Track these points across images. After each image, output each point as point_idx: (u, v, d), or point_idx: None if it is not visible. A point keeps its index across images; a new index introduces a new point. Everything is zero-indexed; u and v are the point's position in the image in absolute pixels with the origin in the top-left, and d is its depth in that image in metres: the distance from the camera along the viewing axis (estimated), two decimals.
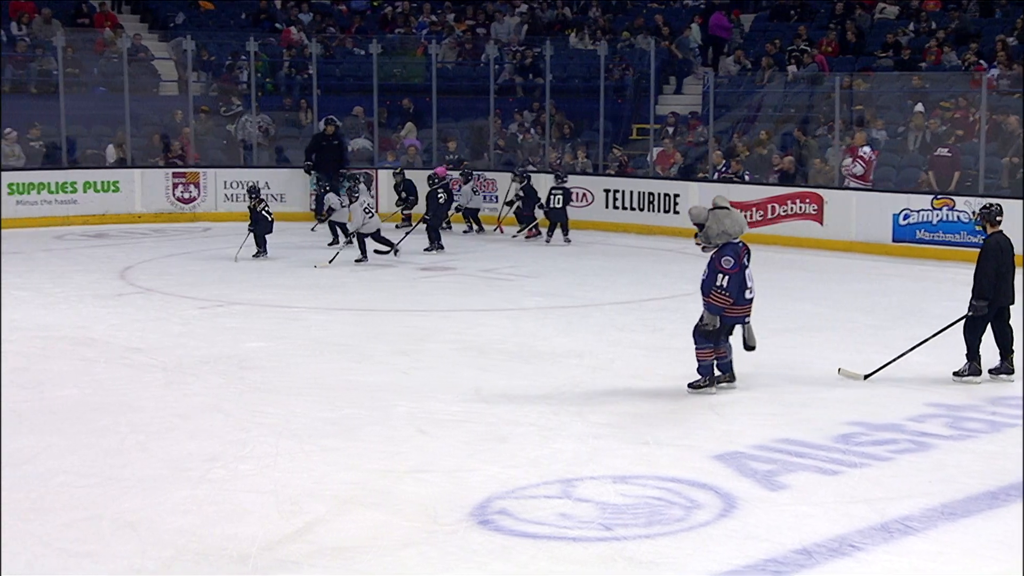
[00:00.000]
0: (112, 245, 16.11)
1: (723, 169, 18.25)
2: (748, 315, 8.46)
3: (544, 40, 21.30)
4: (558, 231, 17.12)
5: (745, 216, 17.16)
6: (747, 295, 8.38)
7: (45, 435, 7.29)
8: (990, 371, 8.84)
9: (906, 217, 15.75)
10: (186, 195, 19.39)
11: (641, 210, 18.57)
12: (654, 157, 19.33)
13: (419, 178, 18.24)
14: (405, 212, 18.18)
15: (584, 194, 18.94)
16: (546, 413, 7.97)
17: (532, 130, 20.93)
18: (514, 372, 9.18)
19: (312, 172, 19.14)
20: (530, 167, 19.17)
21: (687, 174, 18.90)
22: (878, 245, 15.95)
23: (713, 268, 8.31)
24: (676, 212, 18.18)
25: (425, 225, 16.12)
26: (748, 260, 8.42)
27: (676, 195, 18.25)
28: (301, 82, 21.96)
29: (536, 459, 6.95)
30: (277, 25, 23.68)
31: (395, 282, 13.73)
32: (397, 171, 18.59)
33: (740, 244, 8.37)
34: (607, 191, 18.89)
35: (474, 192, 18.24)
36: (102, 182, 18.94)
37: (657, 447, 7.22)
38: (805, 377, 8.99)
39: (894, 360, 8.87)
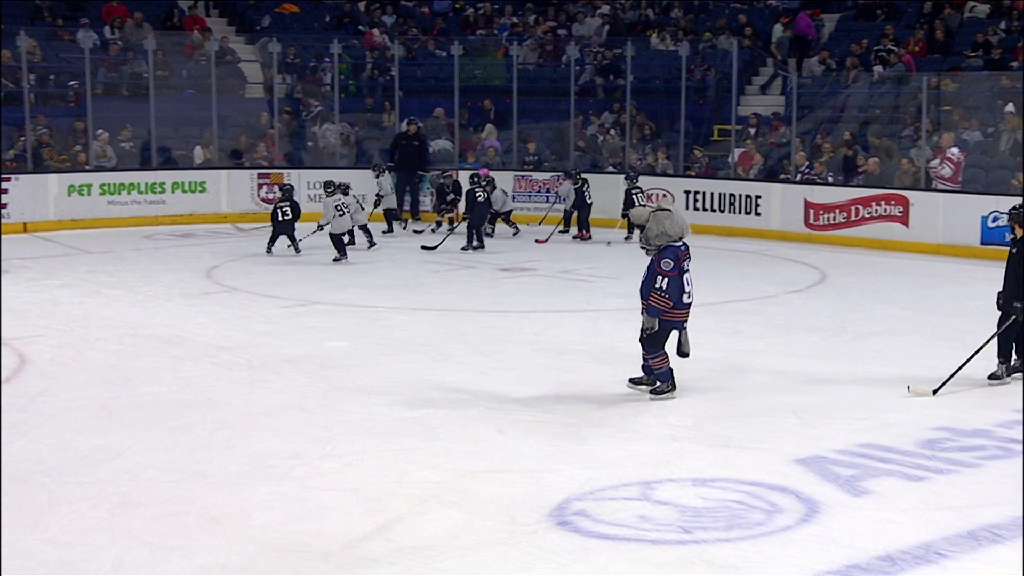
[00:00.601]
0: (199, 244, 16.41)
1: (806, 170, 18.04)
2: (686, 320, 8.33)
3: (625, 41, 21.25)
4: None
5: (828, 218, 17.18)
6: (685, 299, 8.24)
7: (134, 431, 7.45)
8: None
9: (995, 219, 15.40)
10: (270, 195, 19.64)
11: (722, 212, 18.44)
12: (735, 158, 19.18)
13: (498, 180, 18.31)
14: (448, 214, 18.16)
15: (664, 195, 18.85)
16: (626, 415, 7.96)
17: (612, 131, 20.88)
18: (594, 373, 9.17)
19: (391, 172, 19.31)
20: (576, 169, 18.98)
21: (769, 175, 18.72)
22: (965, 248, 15.64)
23: (653, 270, 8.21)
24: (758, 214, 18.04)
25: (466, 224, 16.33)
26: (688, 264, 8.30)
27: (758, 197, 18.10)
28: (383, 84, 22.16)
29: (615, 461, 6.94)
30: (360, 27, 23.92)
31: (475, 282, 13.79)
32: (445, 173, 18.62)
33: (681, 247, 8.26)
34: (687, 192, 18.78)
35: (505, 195, 18.17)
36: (189, 183, 19.31)
37: (737, 450, 7.17)
38: (890, 381, 8.84)
39: (958, 370, 8.65)
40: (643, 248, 8.37)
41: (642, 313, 8.28)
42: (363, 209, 16.57)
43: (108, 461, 6.84)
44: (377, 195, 18.28)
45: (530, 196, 19.44)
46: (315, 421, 7.74)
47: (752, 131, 19.70)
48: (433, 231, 17.66)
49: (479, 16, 24.67)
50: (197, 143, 20.06)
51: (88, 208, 18.32)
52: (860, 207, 16.88)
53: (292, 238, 15.71)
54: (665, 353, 8.30)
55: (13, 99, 19.19)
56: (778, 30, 22.30)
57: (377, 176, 18.27)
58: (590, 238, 17.62)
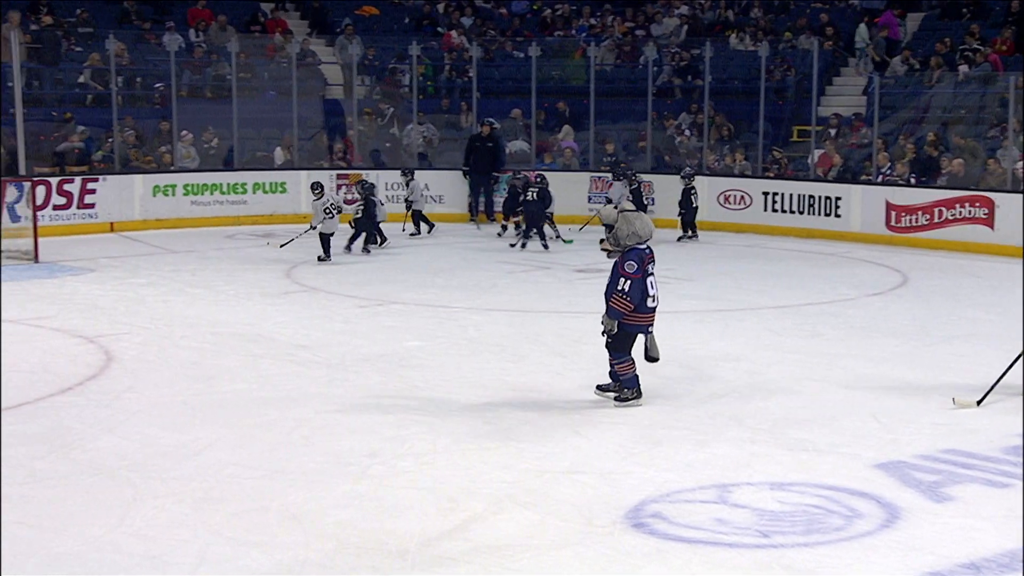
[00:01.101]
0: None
1: (887, 171, 17.78)
2: (651, 324, 8.18)
3: (704, 41, 21.12)
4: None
5: (910, 220, 16.91)
6: (650, 303, 8.08)
7: (216, 428, 7.59)
8: None
9: None
10: (349, 196, 19.86)
11: (801, 213, 18.24)
12: (815, 159, 18.95)
13: (569, 180, 18.31)
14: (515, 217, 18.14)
15: (742, 196, 18.73)
16: (701, 417, 7.91)
17: (690, 132, 20.76)
18: (668, 374, 9.12)
19: (466, 175, 19.41)
20: (631, 170, 18.84)
21: (849, 177, 18.47)
22: None
23: (616, 272, 8.06)
24: (838, 216, 17.81)
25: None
26: (653, 267, 8.16)
27: (838, 198, 17.88)
28: (461, 85, 22.26)
29: (691, 463, 6.91)
30: (439, 29, 24.06)
31: (550, 283, 13.80)
32: (518, 175, 18.57)
33: (646, 250, 8.13)
34: (766, 194, 18.62)
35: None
36: (270, 183, 19.59)
37: (816, 454, 7.09)
38: (973, 386, 8.67)
39: (999, 380, 8.42)
40: (605, 249, 8.23)
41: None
42: (382, 205, 16.85)
43: (191, 457, 6.97)
44: (406, 199, 18.28)
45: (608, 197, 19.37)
46: (391, 420, 7.81)
47: (832, 132, 19.45)
48: (499, 235, 17.68)
49: (557, 17, 24.67)
50: (277, 144, 20.33)
51: (172, 208, 18.68)
52: (943, 209, 16.59)
53: (376, 236, 15.92)
54: (631, 359, 8.14)
55: (102, 101, 19.64)
56: (862, 30, 21.97)
57: (407, 181, 18.28)
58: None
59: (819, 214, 18.04)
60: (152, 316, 11.49)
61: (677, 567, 5.42)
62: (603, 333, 8.11)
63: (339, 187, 19.83)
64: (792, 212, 18.33)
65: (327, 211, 15.27)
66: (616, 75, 22.64)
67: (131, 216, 18.36)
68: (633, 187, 17.69)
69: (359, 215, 16.02)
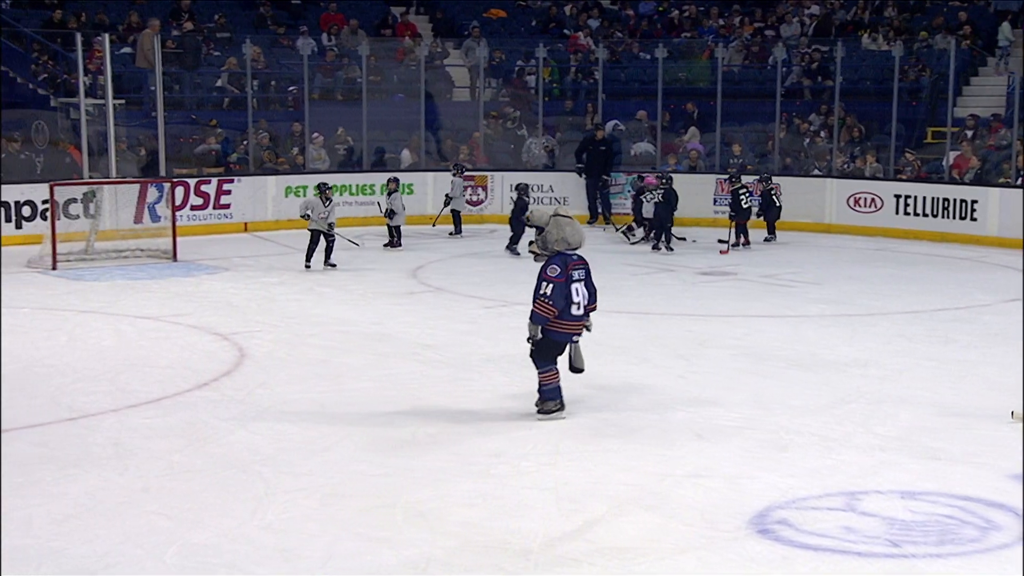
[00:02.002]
0: (405, 245, 16.84)
1: None
2: (578, 333, 7.88)
3: (834, 41, 20.72)
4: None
5: None
6: (574, 310, 7.78)
7: (344, 425, 7.74)
8: None
9: None
10: (474, 198, 20.04)
11: (935, 217, 17.77)
12: (950, 161, 18.45)
13: (694, 182, 18.17)
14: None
15: (872, 199, 18.35)
16: (828, 423, 7.79)
17: (820, 134, 20.39)
18: (795, 380, 9.00)
19: (581, 175, 19.37)
20: (767, 173, 18.47)
21: (986, 179, 17.93)
22: None
23: (540, 276, 7.82)
24: (973, 219, 17.32)
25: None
26: (583, 274, 7.88)
27: (974, 201, 17.39)
28: (587, 87, 22.26)
29: (818, 470, 6.81)
30: (565, 31, 24.09)
31: (674, 286, 13.72)
32: (640, 178, 18.41)
33: (573, 256, 7.86)
34: (897, 196, 18.19)
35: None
36: (402, 185, 19.82)
37: (948, 463, 6.93)
38: None
39: None
40: (533, 252, 8.06)
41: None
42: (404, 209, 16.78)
43: (319, 453, 7.13)
44: (447, 195, 18.31)
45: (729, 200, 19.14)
46: (515, 421, 7.86)
47: (969, 133, 18.89)
48: (628, 239, 17.61)
49: (684, 18, 24.49)
50: (405, 146, 20.61)
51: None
52: None
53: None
54: (556, 369, 7.89)
55: (238, 104, 20.19)
56: (1006, 28, 21.28)
57: (453, 176, 18.33)
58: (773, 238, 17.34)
59: (954, 217, 17.55)
60: (283, 314, 11.77)
61: (804, 575, 5.35)
62: (528, 340, 7.89)
63: (465, 188, 20.00)
64: (925, 215, 17.88)
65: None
66: (744, 76, 22.37)
67: (264, 216, 18.82)
68: (666, 188, 17.01)
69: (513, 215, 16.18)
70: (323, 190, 14.85)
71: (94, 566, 5.42)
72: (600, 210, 19.70)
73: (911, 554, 5.53)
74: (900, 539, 5.70)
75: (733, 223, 16.59)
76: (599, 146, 19.37)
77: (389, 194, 17.02)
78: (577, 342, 7.96)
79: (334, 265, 14.54)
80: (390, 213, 16.79)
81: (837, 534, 5.77)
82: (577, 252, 7.93)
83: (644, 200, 17.01)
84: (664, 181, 16.68)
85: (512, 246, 16.01)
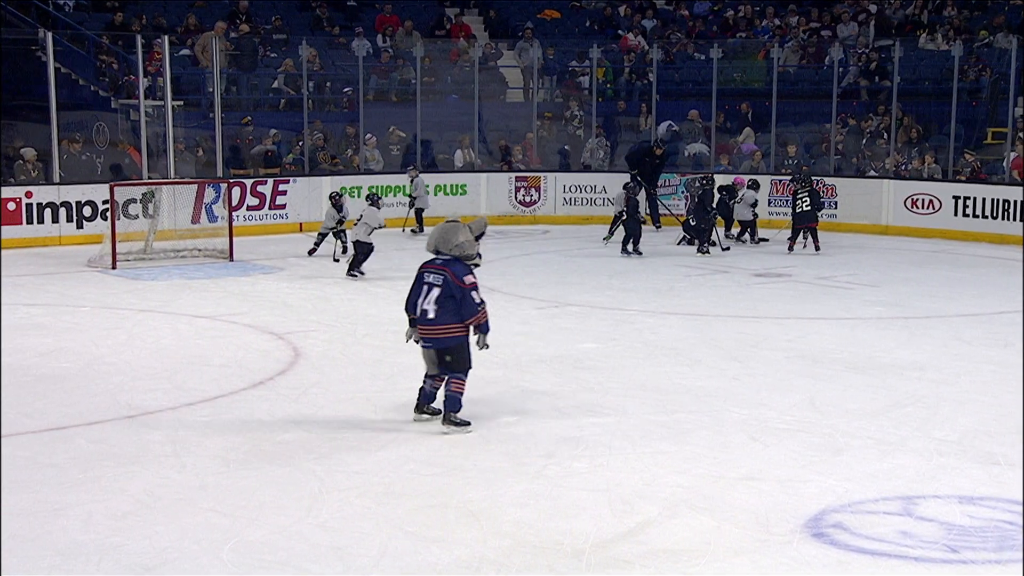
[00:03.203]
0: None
1: None
2: (430, 339, 7.68)
3: (892, 41, 20.50)
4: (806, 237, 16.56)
5: None
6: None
7: (397, 424, 7.79)
8: None
9: None
10: (527, 199, 20.08)
11: (994, 218, 17.53)
12: (1010, 162, 18.17)
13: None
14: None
15: (930, 201, 18.13)
16: (885, 426, 7.71)
17: (884, 135, 20.16)
18: (850, 383, 8.92)
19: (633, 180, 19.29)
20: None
21: None
22: None
23: (466, 290, 7.56)
24: None
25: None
26: (438, 279, 7.67)
27: None
28: (641, 88, 22.20)
29: (874, 473, 6.74)
30: (619, 31, 24.05)
31: (728, 287, 13.64)
32: (704, 177, 18.26)
33: (437, 260, 7.75)
34: (956, 198, 17.95)
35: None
36: (451, 185, 19.94)
37: (1008, 468, 6.82)
38: None
39: None
40: (475, 263, 7.86)
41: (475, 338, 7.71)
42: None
43: (373, 452, 7.17)
44: (410, 196, 18.26)
45: (787, 201, 19.01)
46: (567, 421, 7.86)
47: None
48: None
49: (739, 18, 24.34)
50: (458, 147, 20.68)
51: (357, 209, 19.10)
52: None
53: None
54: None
55: (293, 105, 20.38)
56: None
57: (412, 178, 18.23)
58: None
59: (1014, 219, 17.30)
60: (337, 314, 11.85)
61: None
62: (483, 348, 7.74)
63: (517, 189, 20.04)
64: (984, 217, 17.63)
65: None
66: (799, 76, 22.21)
67: (319, 217, 18.84)
68: (704, 190, 16.84)
69: (623, 216, 16.22)
70: (374, 200, 14.77)
71: (152, 562, 5.50)
72: (648, 212, 19.60)
73: (970, 560, 5.46)
74: (958, 545, 5.63)
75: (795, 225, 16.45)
76: (654, 160, 19.15)
77: (412, 180, 17.61)
78: (428, 347, 7.75)
79: (359, 274, 14.13)
80: (412, 199, 17.35)
81: (894, 539, 5.72)
82: (442, 257, 7.76)
83: (735, 202, 16.93)
84: (706, 182, 16.58)
85: (629, 247, 16.08)
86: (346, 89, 21.30)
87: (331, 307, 12.31)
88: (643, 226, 16.62)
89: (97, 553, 5.58)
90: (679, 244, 16.49)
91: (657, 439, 7.44)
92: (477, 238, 7.89)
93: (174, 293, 13.05)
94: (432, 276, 7.70)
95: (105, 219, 15.88)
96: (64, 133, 17.41)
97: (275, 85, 21.36)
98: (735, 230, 17.49)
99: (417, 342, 7.82)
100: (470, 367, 7.71)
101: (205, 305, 12.29)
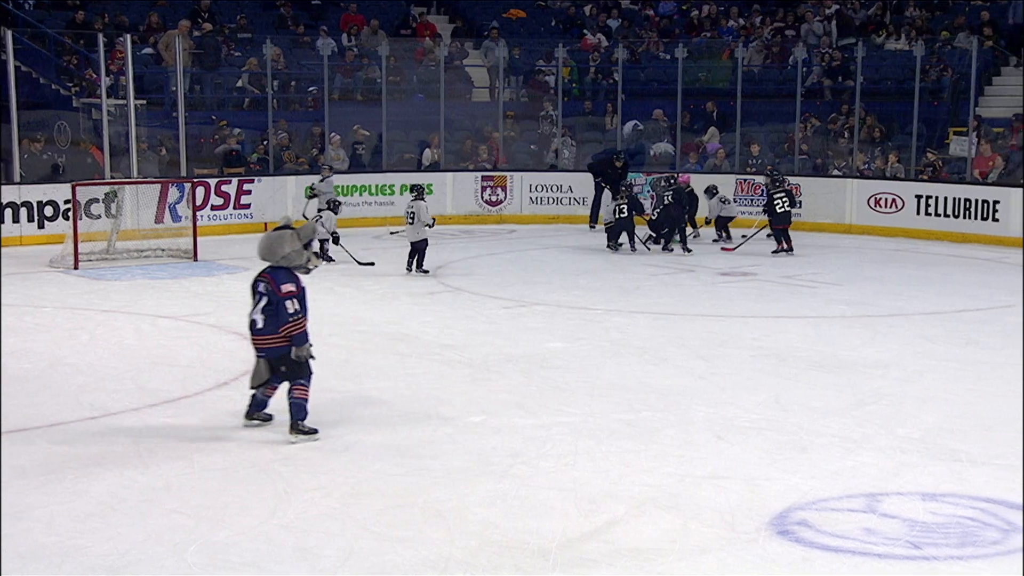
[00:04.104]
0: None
1: None
2: (262, 350, 7.49)
3: (856, 42, 20.65)
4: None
5: None
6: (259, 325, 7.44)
7: (363, 424, 7.76)
8: None
9: None
10: (494, 198, 20.07)
11: (956, 217, 17.69)
12: (972, 154, 18.33)
13: (714, 182, 18.10)
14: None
15: (893, 200, 18.28)
16: (849, 424, 7.76)
17: (844, 134, 20.29)
18: (815, 381, 8.97)
19: (601, 184, 19.28)
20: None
21: (1009, 180, 17.84)
22: None
23: (281, 298, 7.33)
24: (995, 220, 17.23)
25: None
26: (263, 287, 7.45)
27: (996, 202, 17.29)
28: (606, 87, 22.25)
29: (839, 471, 6.79)
30: (585, 31, 24.08)
31: (694, 286, 13.69)
32: (668, 178, 18.27)
33: (267, 269, 7.50)
34: (919, 197, 18.10)
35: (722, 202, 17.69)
36: (416, 185, 19.83)
37: (970, 465, 6.89)
38: None
39: None
40: (314, 266, 7.70)
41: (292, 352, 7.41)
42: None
43: (339, 452, 7.14)
44: (313, 194, 17.50)
45: (752, 200, 19.11)
46: (534, 420, 7.87)
47: (974, 135, 18.77)
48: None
49: (704, 18, 24.44)
50: (426, 146, 20.63)
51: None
52: None
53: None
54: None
55: (258, 104, 20.27)
56: None
57: (324, 178, 17.45)
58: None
59: (975, 218, 17.47)
60: None
61: None
62: (306, 359, 7.46)
63: (483, 188, 20.03)
64: (947, 216, 17.79)
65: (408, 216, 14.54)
66: (764, 76, 22.32)
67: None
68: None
69: (622, 215, 16.23)
70: (420, 193, 14.65)
71: (116, 564, 5.45)
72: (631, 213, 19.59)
73: (932, 556, 5.51)
74: (921, 541, 5.68)
75: (767, 226, 16.44)
76: (617, 170, 19.10)
77: (323, 179, 17.19)
78: (261, 359, 7.54)
79: (332, 260, 14.92)
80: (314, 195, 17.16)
81: (857, 536, 5.75)
82: (271, 267, 7.50)
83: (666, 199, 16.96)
84: (671, 183, 16.68)
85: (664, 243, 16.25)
86: (311, 88, 21.20)
87: None
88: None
89: (60, 556, 5.52)
90: (645, 243, 16.52)
91: (623, 438, 7.45)
92: (306, 245, 7.59)
93: (137, 293, 12.95)
94: (261, 285, 7.47)
95: (67, 219, 15.72)
96: (25, 132, 17.22)
97: (239, 84, 21.21)
98: (702, 229, 17.55)
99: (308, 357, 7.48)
100: (311, 373, 7.47)
101: (169, 305, 12.20)
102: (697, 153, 20.78)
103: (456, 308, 12.27)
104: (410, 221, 14.35)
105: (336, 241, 15.05)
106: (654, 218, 16.74)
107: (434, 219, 14.55)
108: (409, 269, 14.36)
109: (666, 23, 24.49)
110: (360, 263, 14.90)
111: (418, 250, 14.35)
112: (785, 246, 16.14)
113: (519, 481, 6.63)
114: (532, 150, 21.42)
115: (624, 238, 16.38)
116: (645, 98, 21.88)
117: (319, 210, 15.79)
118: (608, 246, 16.43)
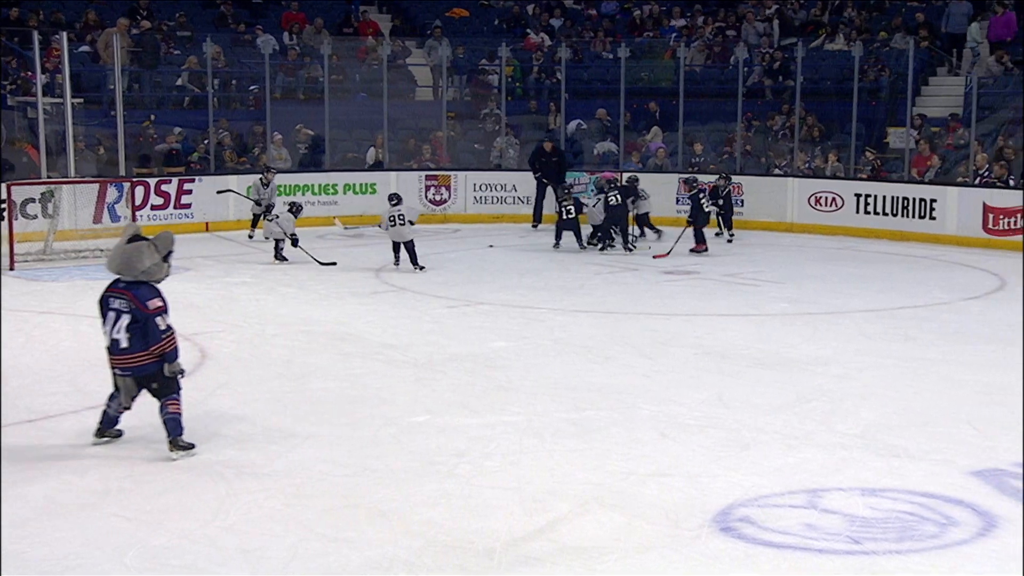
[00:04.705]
0: (368, 245, 16.78)
1: (985, 174, 17.39)
2: (121, 368, 7.12)
3: (796, 42, 20.87)
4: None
5: (1009, 223, 16.52)
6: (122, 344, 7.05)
7: (307, 425, 7.71)
8: None
9: None
10: (438, 197, 20.04)
11: (894, 215, 17.94)
12: (912, 147, 18.58)
13: (657, 181, 18.19)
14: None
15: (833, 199, 18.50)
16: (791, 421, 7.84)
17: (785, 133, 20.51)
18: (757, 378, 9.05)
19: (540, 181, 19.28)
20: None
21: (945, 178, 18.14)
22: None
23: (150, 315, 7.00)
24: (932, 218, 17.50)
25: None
26: (116, 303, 7.08)
27: (933, 200, 17.56)
28: (549, 86, 22.29)
29: (780, 468, 6.85)
30: (528, 31, 24.12)
31: (637, 285, 13.76)
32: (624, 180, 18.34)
33: (120, 284, 7.11)
34: (858, 195, 18.34)
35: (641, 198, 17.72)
36: (360, 184, 19.80)
37: (908, 460, 6.99)
38: None
39: None
40: (162, 278, 7.29)
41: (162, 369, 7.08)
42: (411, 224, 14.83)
43: (282, 454, 7.09)
44: (256, 200, 17.54)
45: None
46: (478, 420, 7.86)
47: (915, 133, 19.05)
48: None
49: (647, 18, 24.57)
50: (370, 146, 20.54)
51: None
52: None
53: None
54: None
55: (198, 103, 20.05)
56: (974, 29, 21.40)
57: (267, 181, 17.57)
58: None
59: (913, 216, 17.73)
60: (245, 314, 11.70)
61: (766, 572, 5.38)
62: (179, 375, 7.13)
63: (427, 188, 19.98)
64: (885, 214, 18.04)
65: (391, 220, 14.59)
66: (706, 76, 22.48)
67: (225, 216, 18.69)
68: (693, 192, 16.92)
69: (570, 216, 16.27)
70: (398, 199, 14.82)
71: (54, 569, 5.37)
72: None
73: (871, 551, 5.57)
74: (861, 536, 5.74)
75: (691, 227, 16.42)
76: (551, 157, 19.16)
77: (266, 184, 17.50)
78: (126, 377, 7.14)
79: (286, 259, 15.08)
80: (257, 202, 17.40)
81: (799, 531, 5.81)
82: (125, 280, 7.12)
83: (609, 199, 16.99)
84: (612, 182, 16.77)
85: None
86: (252, 87, 21.02)
87: (239, 307, 12.14)
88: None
89: None
90: (589, 243, 16.56)
91: (568, 436, 7.47)
92: (165, 257, 7.25)
93: (75, 294, 12.75)
94: (117, 302, 7.04)
95: (2, 219, 15.42)
96: None
97: (179, 83, 20.99)
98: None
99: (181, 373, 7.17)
100: (179, 388, 7.15)
101: None
102: (639, 152, 20.89)
103: (400, 307, 12.22)
104: (392, 224, 14.49)
105: (295, 243, 15.07)
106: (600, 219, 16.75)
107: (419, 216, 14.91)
108: (398, 263, 14.68)
109: (609, 23, 24.59)
110: (322, 263, 14.82)
111: (409, 249, 14.55)
112: (704, 246, 16.23)
113: (463, 481, 6.62)
114: (476, 149, 21.43)
115: (570, 237, 16.42)
116: (588, 97, 21.98)
117: (275, 212, 15.82)
118: (554, 246, 16.50)
